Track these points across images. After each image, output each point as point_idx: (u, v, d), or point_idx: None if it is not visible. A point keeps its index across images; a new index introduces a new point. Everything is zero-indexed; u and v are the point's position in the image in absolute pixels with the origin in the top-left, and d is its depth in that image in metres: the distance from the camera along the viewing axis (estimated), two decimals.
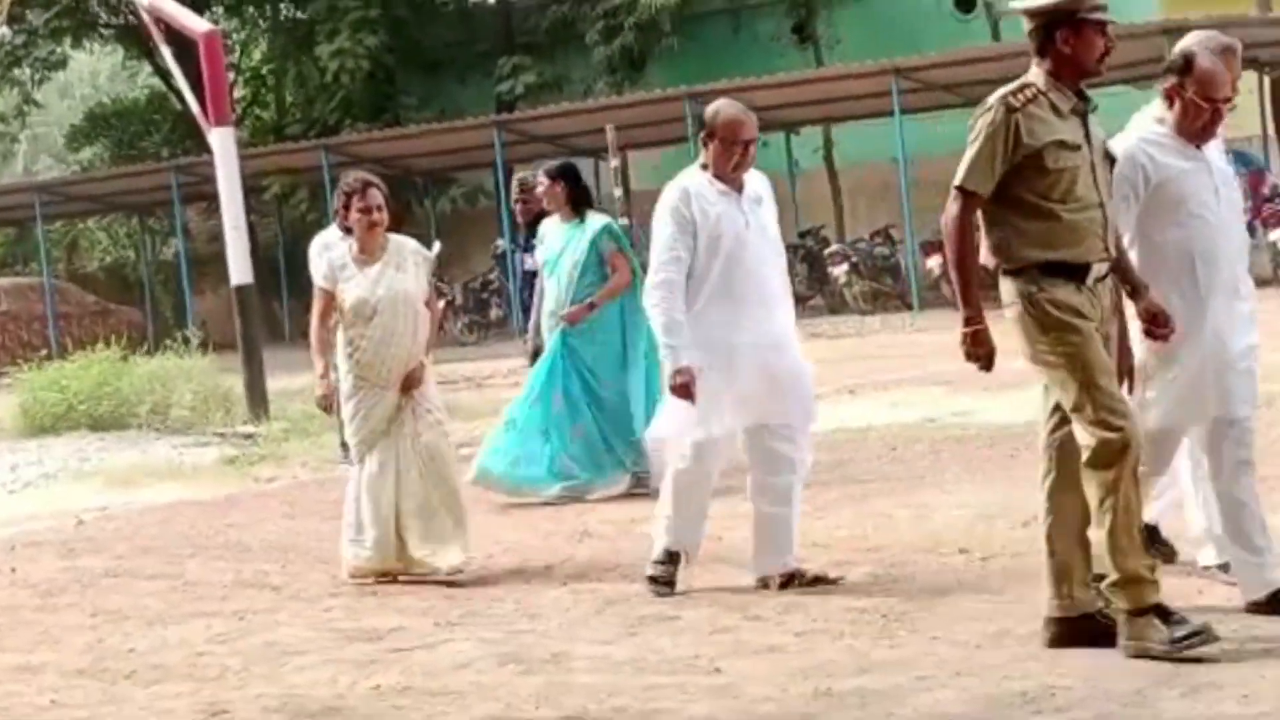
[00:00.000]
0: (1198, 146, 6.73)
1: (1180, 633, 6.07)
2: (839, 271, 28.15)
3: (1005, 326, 6.47)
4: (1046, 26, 6.34)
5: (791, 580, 7.82)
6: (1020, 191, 6.27)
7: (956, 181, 6.31)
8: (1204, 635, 6.07)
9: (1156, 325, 6.54)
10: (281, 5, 39.69)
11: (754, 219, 7.81)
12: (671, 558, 7.95)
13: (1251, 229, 27.30)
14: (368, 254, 8.99)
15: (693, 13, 33.13)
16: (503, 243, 30.23)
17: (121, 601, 8.99)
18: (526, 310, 11.49)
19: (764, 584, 7.86)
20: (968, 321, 6.38)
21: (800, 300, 29.36)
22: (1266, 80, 28.42)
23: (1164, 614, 6.14)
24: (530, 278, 12.04)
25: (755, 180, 7.93)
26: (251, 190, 30.26)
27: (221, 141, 18.39)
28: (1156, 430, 6.67)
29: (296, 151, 35.24)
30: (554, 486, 11.02)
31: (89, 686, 7.17)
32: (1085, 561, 6.34)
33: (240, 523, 11.51)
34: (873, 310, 27.63)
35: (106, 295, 38.79)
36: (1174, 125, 6.73)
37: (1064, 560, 6.41)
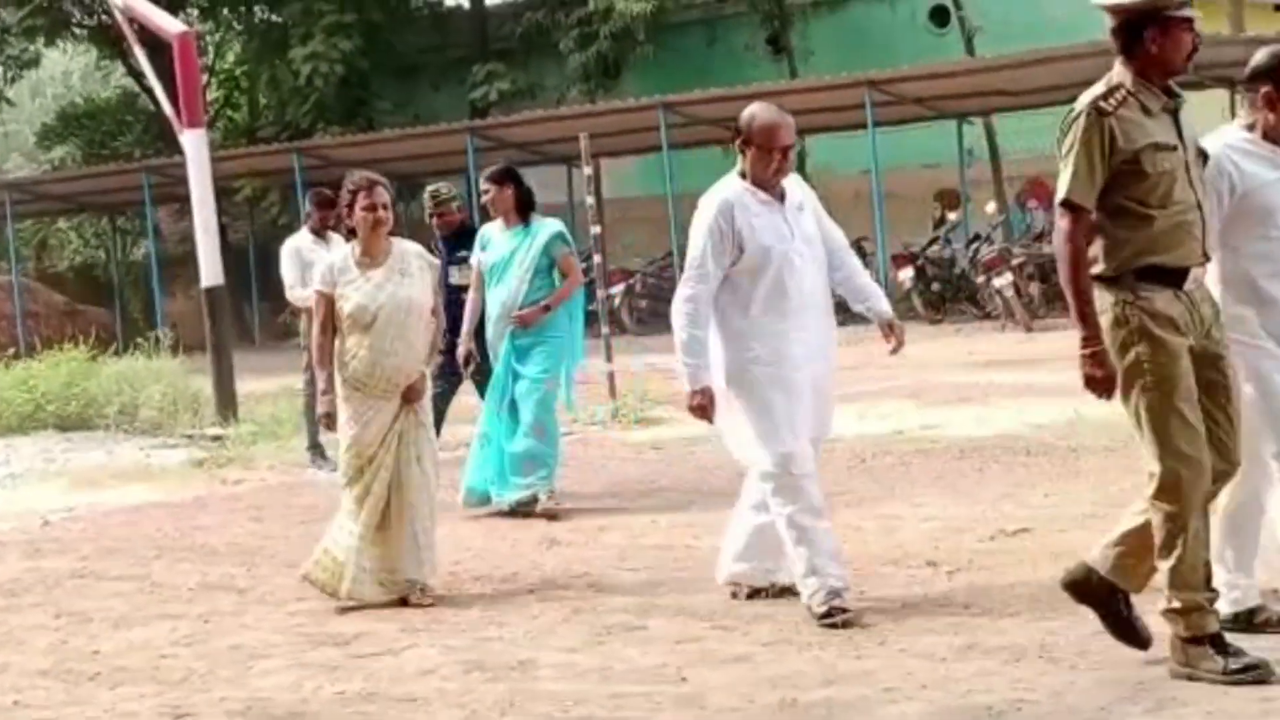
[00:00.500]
0: None
1: (1235, 665, 5.94)
2: None
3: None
4: (1133, 26, 6.05)
5: (760, 593, 7.78)
6: (1118, 198, 6.02)
7: (1061, 197, 6.03)
8: (1260, 669, 5.95)
9: None
10: (256, 8, 39.58)
11: (798, 228, 7.54)
12: (834, 594, 7.32)
13: None
14: (371, 257, 8.58)
15: (668, 22, 33.12)
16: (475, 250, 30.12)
17: (86, 603, 8.96)
18: (455, 327, 10.96)
19: (734, 591, 7.81)
20: (1086, 342, 6.07)
21: None
22: (1238, 99, 28.51)
23: (1220, 645, 6.02)
24: (456, 293, 11.38)
25: (794, 186, 7.65)
26: (223, 192, 30.20)
27: (194, 143, 18.34)
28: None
29: (269, 154, 35.16)
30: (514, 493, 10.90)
31: (53, 687, 7.14)
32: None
33: (207, 525, 11.47)
34: (843, 321, 27.57)
35: (76, 295, 38.66)
36: (1264, 131, 6.50)
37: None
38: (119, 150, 40.20)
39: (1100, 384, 6.10)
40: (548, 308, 10.92)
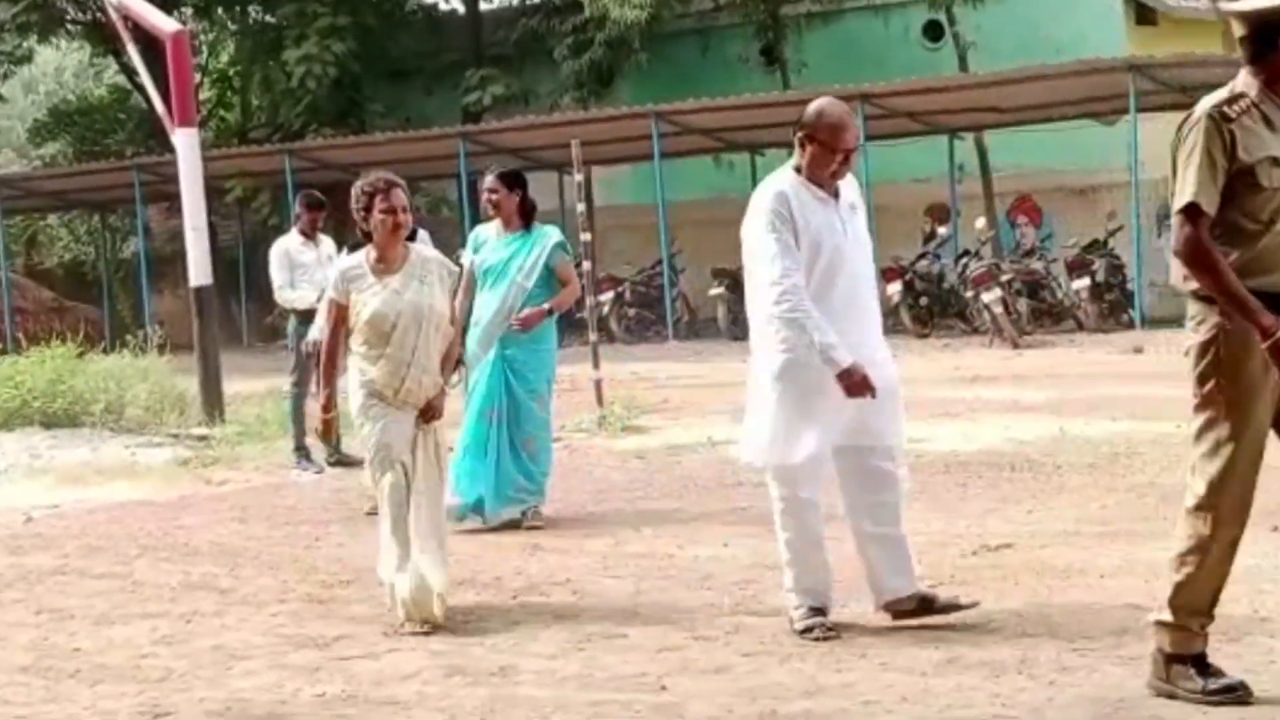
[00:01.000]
0: None
1: (1215, 685, 5.93)
2: None
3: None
4: (1264, 34, 5.81)
5: (925, 606, 7.37)
6: (1227, 211, 5.77)
7: (1184, 200, 5.73)
8: (1240, 691, 5.93)
9: None
10: (250, 9, 39.55)
11: (850, 227, 7.32)
12: (817, 611, 7.32)
13: None
14: (387, 263, 8.17)
15: (662, 31, 33.11)
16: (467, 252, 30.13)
17: (68, 600, 8.96)
18: None
19: (892, 610, 7.40)
20: (1265, 334, 5.65)
21: None
22: None
23: (1202, 664, 6.01)
24: None
25: (849, 186, 7.41)
26: (213, 192, 30.10)
27: (185, 142, 18.33)
28: None
29: (260, 155, 35.14)
30: (509, 508, 10.72)
31: (32, 684, 7.14)
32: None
33: (191, 525, 11.46)
34: None
35: (65, 292, 38.62)
36: None
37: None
38: (110, 148, 40.15)
39: None
40: (550, 311, 10.81)
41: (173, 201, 27.16)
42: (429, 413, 8.10)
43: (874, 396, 7.08)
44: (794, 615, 7.33)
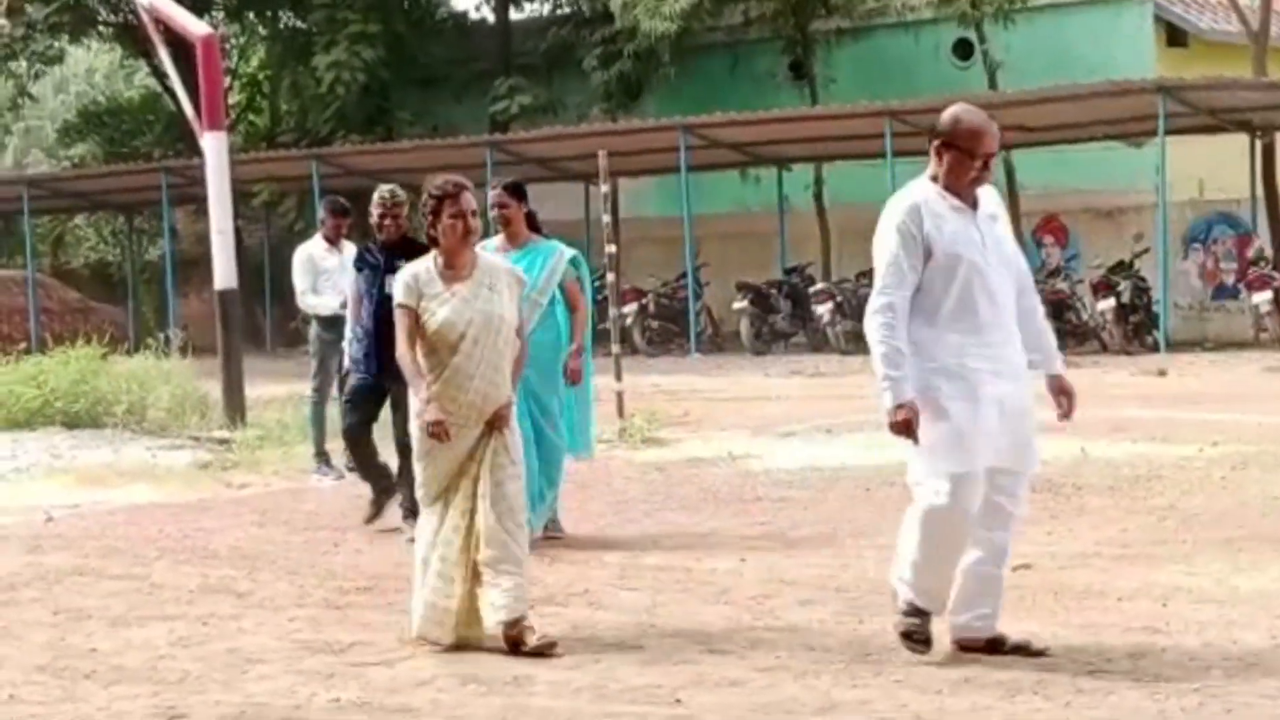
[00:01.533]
0: None
1: None
2: (823, 310, 28.17)
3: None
4: None
5: (994, 646, 7.09)
6: None
7: None
8: None
9: None
10: (282, 14, 39.70)
11: (990, 238, 7.01)
12: (920, 612, 7.03)
13: (1235, 292, 27.44)
14: (456, 270, 7.79)
15: (691, 45, 33.13)
16: None
17: (85, 601, 8.97)
18: (376, 345, 10.51)
19: (962, 644, 7.13)
20: None
21: (783, 337, 29.42)
22: (1259, 144, 28.52)
23: None
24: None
25: (988, 195, 7.13)
26: (240, 196, 30.24)
27: (213, 145, 18.38)
28: None
29: (287, 160, 35.24)
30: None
31: (48, 684, 7.15)
32: None
33: (210, 528, 11.48)
34: (854, 350, 27.61)
35: (90, 293, 38.71)
36: None
37: None
38: (139, 150, 40.30)
39: None
40: (580, 350, 10.53)
41: (199, 204, 27.18)
42: (496, 421, 7.71)
43: (915, 443, 6.88)
44: (899, 608, 7.05)
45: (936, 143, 7.03)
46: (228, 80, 36.38)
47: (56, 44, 40.73)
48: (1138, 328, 26.31)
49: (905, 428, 6.83)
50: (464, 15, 40.82)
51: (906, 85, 30.07)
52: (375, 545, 10.59)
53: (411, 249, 10.86)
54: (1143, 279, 26.59)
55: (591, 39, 34.67)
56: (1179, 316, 26.70)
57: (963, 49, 32.58)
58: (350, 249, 14.12)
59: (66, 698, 6.91)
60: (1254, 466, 12.29)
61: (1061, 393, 7.26)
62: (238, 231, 22.60)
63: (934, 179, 7.04)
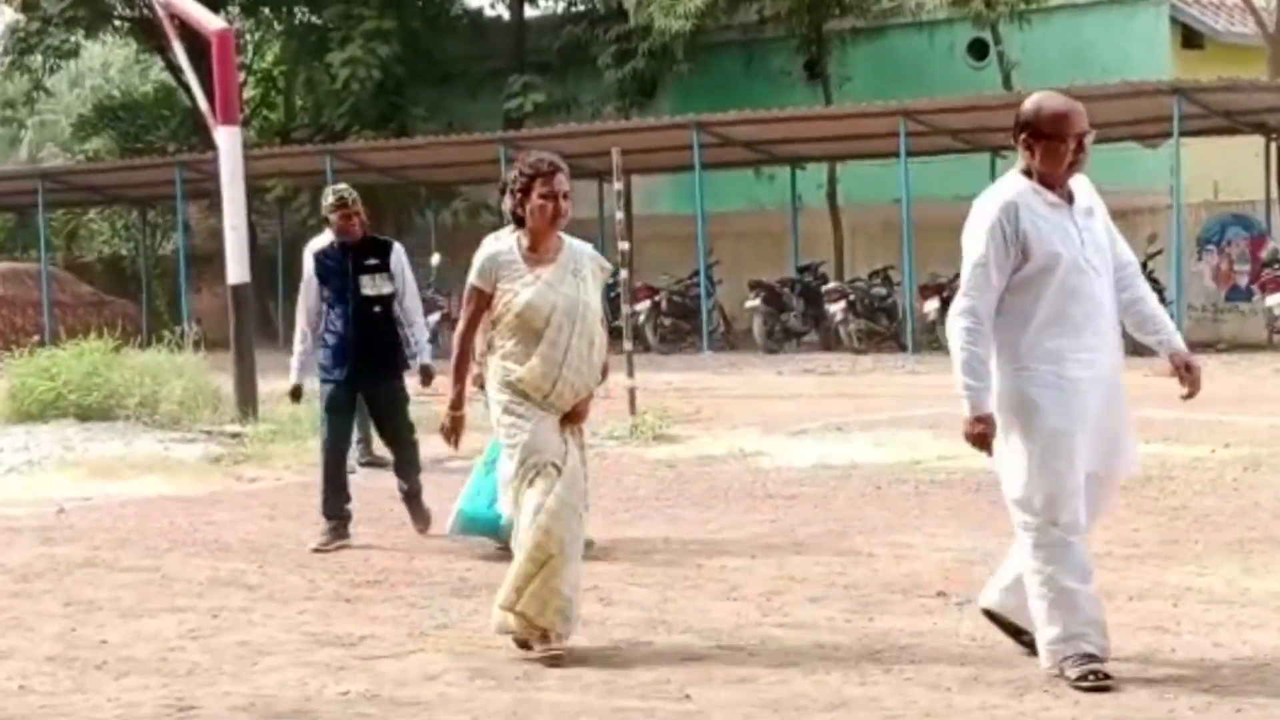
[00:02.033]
0: None
1: None
2: (835, 309, 28.14)
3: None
4: None
5: (1015, 632, 6.94)
6: None
7: None
8: None
9: None
10: (297, 9, 39.71)
11: (1089, 235, 6.65)
12: (1090, 658, 6.45)
13: (1249, 293, 27.39)
14: (540, 253, 7.47)
15: (706, 43, 33.12)
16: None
17: (96, 592, 9.00)
18: (373, 340, 10.64)
19: (990, 614, 7.01)
20: None
21: (795, 335, 29.40)
22: (1274, 146, 28.47)
23: None
24: (369, 303, 10.80)
25: (1083, 187, 6.77)
26: (254, 191, 30.23)
27: (227, 140, 18.40)
28: None
29: (301, 155, 35.23)
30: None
31: (59, 674, 7.18)
32: None
33: (221, 521, 11.51)
34: (867, 349, 27.63)
35: (103, 286, 38.77)
36: None
37: None
38: (153, 144, 40.32)
39: None
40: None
41: (213, 199, 27.22)
42: (574, 415, 7.42)
43: (990, 455, 6.63)
44: (1064, 666, 6.51)
45: (1024, 136, 6.68)
46: (242, 75, 36.40)
47: (72, 38, 40.72)
48: None
49: (981, 440, 6.57)
50: (479, 12, 40.85)
51: (921, 85, 30.03)
52: (385, 539, 10.62)
53: (378, 247, 10.94)
54: (1157, 280, 26.52)
55: (606, 36, 34.67)
56: (1193, 318, 26.63)
57: (978, 49, 32.55)
58: None
59: (77, 688, 6.93)
60: (1266, 468, 12.27)
61: (1185, 368, 6.85)
62: (251, 226, 22.62)
63: (1026, 173, 6.72)
